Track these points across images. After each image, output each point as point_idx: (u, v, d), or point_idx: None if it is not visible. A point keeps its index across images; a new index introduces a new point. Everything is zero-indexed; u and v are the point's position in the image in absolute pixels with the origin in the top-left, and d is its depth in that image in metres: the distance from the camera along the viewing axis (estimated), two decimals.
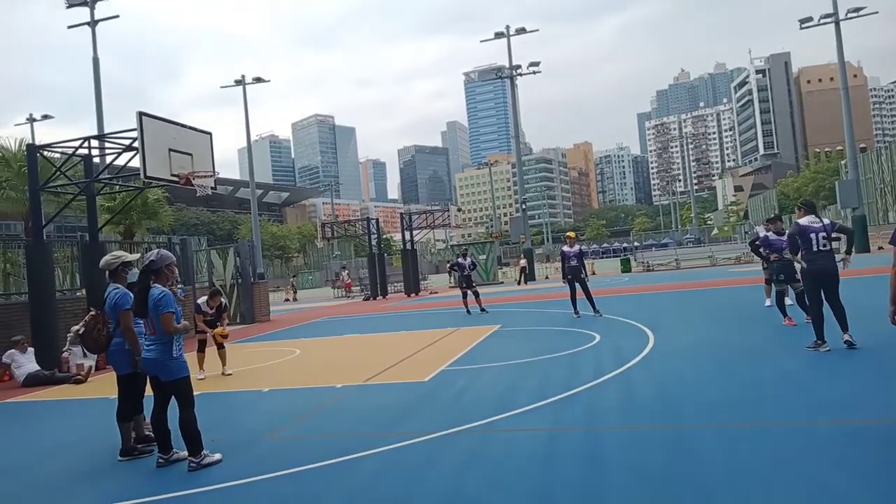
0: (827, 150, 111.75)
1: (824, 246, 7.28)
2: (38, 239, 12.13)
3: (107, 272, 5.69)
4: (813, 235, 7.29)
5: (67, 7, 27.12)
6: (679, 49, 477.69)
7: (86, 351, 9.78)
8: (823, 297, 7.34)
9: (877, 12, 34.31)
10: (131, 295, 5.32)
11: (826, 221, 7.46)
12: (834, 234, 7.50)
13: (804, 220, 7.44)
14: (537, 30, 41.00)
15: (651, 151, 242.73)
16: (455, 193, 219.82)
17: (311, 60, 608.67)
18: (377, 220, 35.62)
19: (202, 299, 9.91)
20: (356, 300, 32.37)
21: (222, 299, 10.06)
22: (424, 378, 7.94)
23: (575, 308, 13.46)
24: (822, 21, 34.24)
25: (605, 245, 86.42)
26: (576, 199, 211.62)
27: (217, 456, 5.04)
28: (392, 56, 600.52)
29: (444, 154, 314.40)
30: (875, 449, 4.06)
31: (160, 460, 5.11)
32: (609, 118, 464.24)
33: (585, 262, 14.37)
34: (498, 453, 4.71)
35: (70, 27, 27.39)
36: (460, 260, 17.15)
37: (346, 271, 43.21)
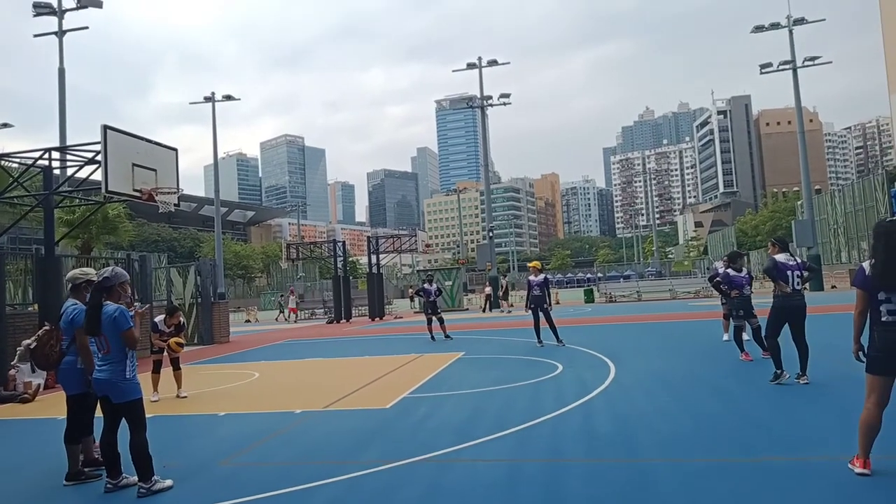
0: (784, 190, 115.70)
1: (798, 284, 7.45)
2: None
3: (70, 285, 5.52)
4: (790, 273, 7.44)
5: (34, 15, 26.63)
6: (644, 88, 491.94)
7: (35, 368, 9.41)
8: (791, 334, 7.50)
9: (830, 62, 35.97)
10: None
11: (799, 260, 7.67)
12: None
13: (781, 257, 7.60)
14: (508, 62, 41.88)
15: (616, 185, 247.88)
16: (423, 219, 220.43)
17: (282, 81, 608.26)
18: (344, 242, 35.41)
19: (159, 318, 9.67)
20: (306, 324, 31.97)
21: (181, 318, 9.82)
22: (386, 405, 7.86)
23: (538, 337, 13.53)
24: (780, 67, 35.69)
25: (569, 275, 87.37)
26: (542, 229, 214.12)
27: (168, 482, 4.88)
28: (364, 80, 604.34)
29: (413, 179, 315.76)
30: (829, 486, 4.15)
31: (108, 485, 4.92)
32: (576, 151, 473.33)
33: (551, 291, 14.48)
34: (458, 484, 4.66)
35: (36, 36, 26.88)
36: (426, 286, 17.12)
37: (293, 295, 39.68)
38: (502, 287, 35.46)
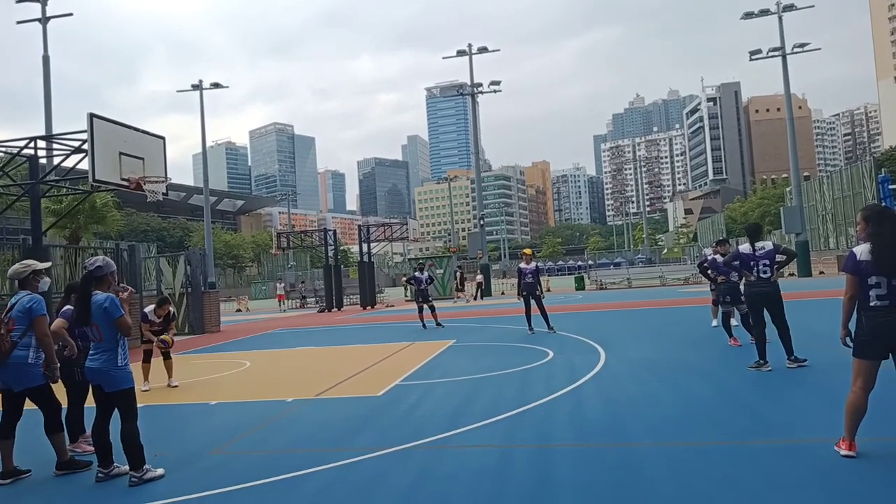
0: (773, 176, 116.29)
1: (764, 273, 7.53)
2: None
3: (17, 281, 5.32)
4: (752, 262, 7.57)
5: (17, 1, 26.22)
6: (634, 75, 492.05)
7: None
8: (770, 320, 7.60)
9: (819, 48, 36.11)
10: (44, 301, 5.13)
11: (769, 246, 7.72)
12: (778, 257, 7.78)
13: (744, 247, 7.74)
14: (498, 50, 41.64)
15: (606, 173, 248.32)
16: (414, 207, 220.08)
17: (270, 69, 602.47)
18: (335, 231, 35.32)
19: (149, 308, 9.62)
20: (300, 312, 31.94)
21: (170, 308, 9.77)
22: (378, 392, 7.88)
23: (529, 324, 13.58)
24: (770, 54, 35.78)
25: (560, 263, 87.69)
26: (533, 217, 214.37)
27: (160, 471, 4.88)
28: (354, 68, 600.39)
29: (404, 167, 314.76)
30: (815, 468, 4.21)
31: (100, 475, 4.91)
32: (566, 139, 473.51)
33: (542, 279, 14.53)
34: (449, 470, 4.69)
35: (19, 22, 26.48)
36: (417, 274, 17.13)
37: (281, 283, 43.40)
38: (457, 276, 34.67)
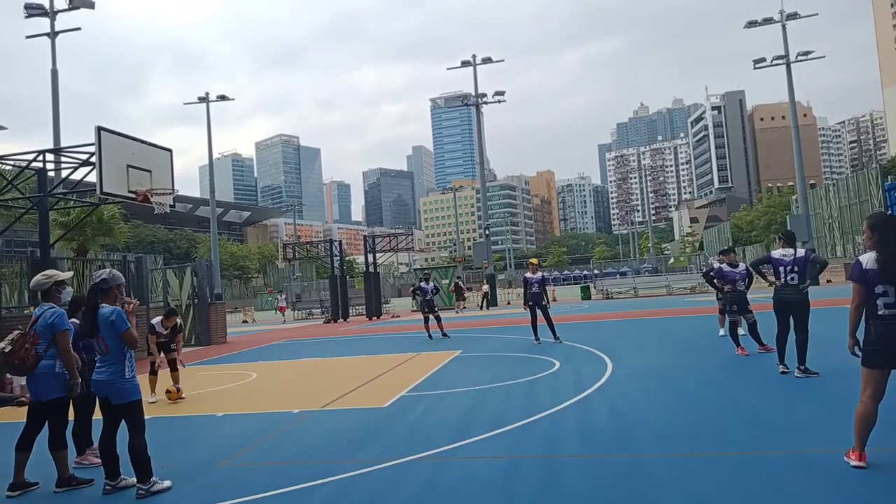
0: (779, 185, 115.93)
1: (791, 280, 7.57)
2: None
3: (39, 293, 5.38)
4: (782, 268, 7.62)
5: (27, 17, 26.52)
6: (638, 84, 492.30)
7: (7, 373, 9.32)
8: (792, 326, 7.67)
9: (824, 56, 36.09)
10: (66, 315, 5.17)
11: (801, 253, 7.74)
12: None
13: (777, 252, 7.82)
14: (503, 60, 41.82)
15: (611, 182, 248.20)
16: (419, 217, 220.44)
17: (274, 81, 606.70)
18: (340, 241, 35.41)
19: (156, 319, 9.65)
20: (304, 324, 31.94)
21: (178, 320, 9.80)
22: (384, 404, 7.87)
23: (535, 334, 13.55)
24: (774, 62, 35.79)
25: (565, 272, 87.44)
26: (538, 227, 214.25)
27: (167, 483, 4.89)
28: (357, 79, 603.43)
29: (409, 178, 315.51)
30: (825, 479, 4.17)
31: (107, 487, 4.92)
32: (571, 148, 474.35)
33: (547, 289, 14.51)
34: (456, 481, 4.68)
35: (28, 37, 26.79)
36: (423, 284, 17.12)
37: (282, 294, 44.82)
38: (460, 287, 34.94)
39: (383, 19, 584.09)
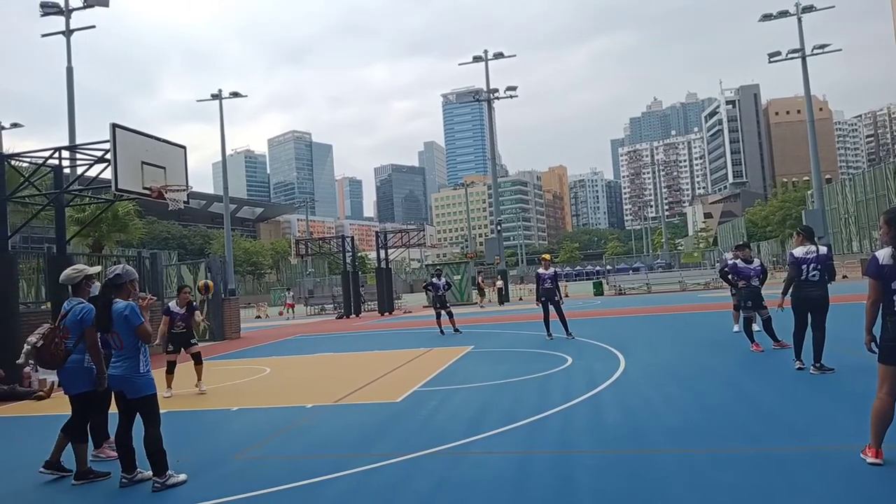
0: (794, 180, 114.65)
1: (813, 276, 7.52)
2: (2, 250, 11.83)
3: (70, 287, 5.49)
4: (804, 266, 7.56)
5: (42, 15, 26.74)
6: (651, 78, 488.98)
7: (38, 367, 9.46)
8: (810, 322, 7.64)
9: (840, 49, 35.64)
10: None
11: (823, 251, 7.68)
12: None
13: (799, 251, 7.69)
14: (514, 55, 41.55)
15: (624, 177, 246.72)
16: (431, 213, 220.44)
17: (285, 78, 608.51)
18: (352, 237, 35.55)
19: (172, 302, 9.73)
20: (316, 319, 32.09)
21: (190, 297, 9.74)
22: (396, 399, 7.90)
23: (548, 330, 13.53)
24: (789, 56, 35.41)
25: (578, 268, 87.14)
26: (550, 222, 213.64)
27: (182, 476, 4.94)
28: (368, 76, 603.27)
29: (420, 174, 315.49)
30: (841, 476, 4.14)
31: (123, 480, 4.98)
32: (583, 143, 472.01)
33: (560, 284, 14.46)
34: (468, 477, 4.69)
35: (44, 36, 27.02)
36: (434, 280, 17.15)
37: (291, 292, 44.72)
38: (480, 282, 35.30)
39: (393, 16, 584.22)
